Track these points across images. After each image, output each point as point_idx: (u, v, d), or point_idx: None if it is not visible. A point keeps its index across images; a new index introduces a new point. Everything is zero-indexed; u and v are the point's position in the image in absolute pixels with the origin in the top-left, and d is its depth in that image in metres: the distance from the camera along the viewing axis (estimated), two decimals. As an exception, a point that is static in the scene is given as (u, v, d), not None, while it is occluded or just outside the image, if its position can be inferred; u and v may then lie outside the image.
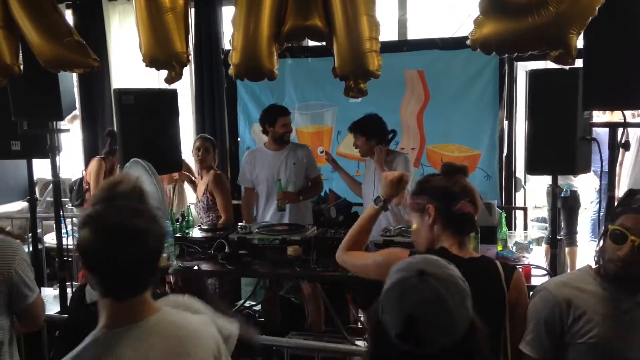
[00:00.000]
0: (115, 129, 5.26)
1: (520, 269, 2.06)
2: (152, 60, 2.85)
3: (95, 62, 3.02)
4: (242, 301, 4.35)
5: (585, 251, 5.70)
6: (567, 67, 2.45)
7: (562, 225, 5.35)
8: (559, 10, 2.22)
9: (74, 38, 2.95)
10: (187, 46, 2.86)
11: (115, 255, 1.30)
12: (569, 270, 4.75)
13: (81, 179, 5.31)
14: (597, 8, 2.24)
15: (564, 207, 5.36)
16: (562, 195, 5.33)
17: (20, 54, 3.14)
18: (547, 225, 5.72)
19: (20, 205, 6.05)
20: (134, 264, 1.32)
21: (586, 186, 5.86)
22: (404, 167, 3.82)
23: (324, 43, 2.72)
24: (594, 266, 1.92)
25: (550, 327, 1.84)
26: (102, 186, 1.38)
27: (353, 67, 2.61)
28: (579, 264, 5.24)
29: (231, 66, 2.74)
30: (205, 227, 4.11)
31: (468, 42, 2.42)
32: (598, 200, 5.57)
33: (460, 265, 1.39)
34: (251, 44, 2.65)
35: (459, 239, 1.93)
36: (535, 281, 3.20)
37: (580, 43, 2.41)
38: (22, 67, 3.16)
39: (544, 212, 6.68)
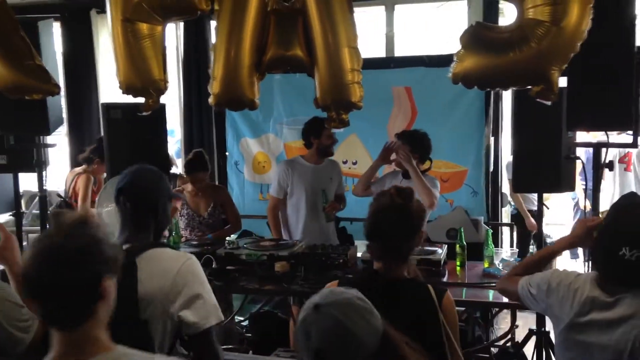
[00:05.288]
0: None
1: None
2: (129, 88, 2.79)
3: (55, 88, 2.95)
4: (230, 316, 4.33)
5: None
6: (548, 103, 2.43)
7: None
8: (540, 46, 2.21)
9: (35, 62, 2.88)
10: (165, 72, 2.80)
11: (52, 277, 1.24)
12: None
13: (63, 202, 4.85)
14: (578, 45, 2.23)
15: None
16: (510, 213, 5.33)
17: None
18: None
19: (6, 218, 5.99)
20: (73, 286, 1.26)
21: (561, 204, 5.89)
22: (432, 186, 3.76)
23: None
24: None
25: None
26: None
27: (335, 99, 2.58)
28: None
29: (211, 95, 2.68)
30: (194, 242, 4.07)
31: (449, 75, 2.41)
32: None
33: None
34: (232, 74, 2.60)
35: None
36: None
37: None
38: None
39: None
